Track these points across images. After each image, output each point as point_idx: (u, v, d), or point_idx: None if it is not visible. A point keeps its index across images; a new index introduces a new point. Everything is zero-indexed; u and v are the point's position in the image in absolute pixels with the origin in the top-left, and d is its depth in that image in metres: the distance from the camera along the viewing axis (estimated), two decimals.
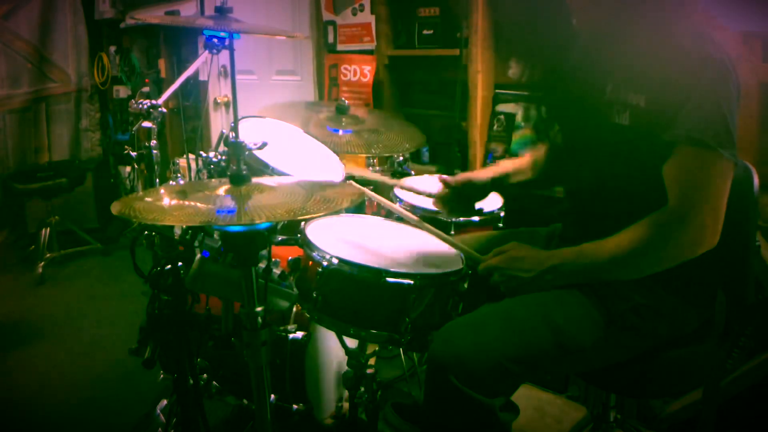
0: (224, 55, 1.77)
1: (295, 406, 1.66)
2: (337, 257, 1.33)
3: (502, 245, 1.28)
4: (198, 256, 1.35)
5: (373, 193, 1.47)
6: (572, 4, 1.27)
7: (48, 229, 3.74)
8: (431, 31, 3.03)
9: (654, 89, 1.13)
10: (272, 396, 1.57)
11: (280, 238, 1.64)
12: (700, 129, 1.07)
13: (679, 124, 1.08)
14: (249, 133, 1.71)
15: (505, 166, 1.55)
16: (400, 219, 1.60)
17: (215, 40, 1.74)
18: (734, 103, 1.09)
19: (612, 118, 1.19)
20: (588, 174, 1.29)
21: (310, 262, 1.41)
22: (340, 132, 2.01)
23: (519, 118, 2.81)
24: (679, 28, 1.13)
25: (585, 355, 1.20)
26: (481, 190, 1.53)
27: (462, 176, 1.53)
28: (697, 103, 1.07)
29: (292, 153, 1.83)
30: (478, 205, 1.59)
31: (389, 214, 1.67)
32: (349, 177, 1.75)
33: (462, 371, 1.10)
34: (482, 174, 1.53)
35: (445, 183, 1.52)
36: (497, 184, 1.53)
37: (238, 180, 1.22)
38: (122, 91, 4.33)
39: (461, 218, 1.80)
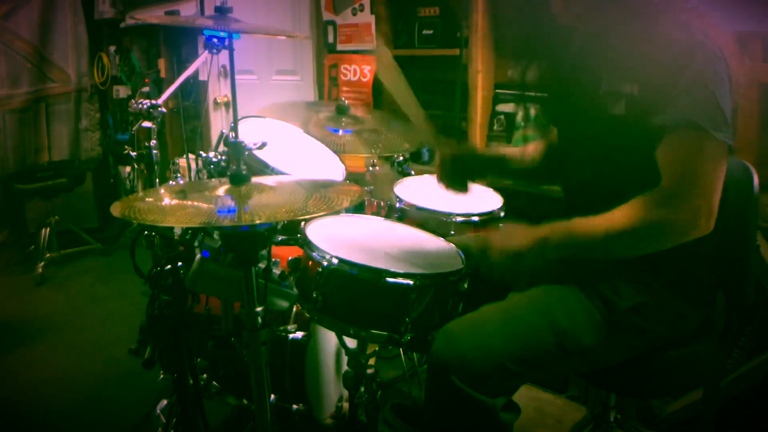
0: (224, 55, 1.77)
1: (295, 406, 1.66)
2: (337, 257, 1.33)
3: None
4: (198, 256, 1.35)
5: None
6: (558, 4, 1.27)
7: (48, 229, 3.74)
8: (431, 31, 3.02)
9: (646, 76, 1.14)
10: (272, 396, 1.57)
11: (280, 238, 1.64)
12: (691, 111, 1.07)
13: (671, 107, 1.09)
14: (249, 133, 1.71)
15: (504, 150, 1.57)
16: (401, 219, 1.60)
17: (215, 40, 1.74)
18: (726, 88, 1.09)
19: (608, 111, 1.19)
20: (586, 171, 1.29)
21: (310, 262, 1.41)
22: (340, 132, 2.00)
23: (519, 118, 2.81)
24: (667, 20, 1.14)
25: (586, 356, 1.20)
26: (479, 161, 1.52)
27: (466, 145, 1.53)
28: (688, 86, 1.08)
29: (292, 153, 1.83)
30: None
31: (389, 214, 1.67)
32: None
33: (464, 371, 1.10)
34: (482, 150, 1.54)
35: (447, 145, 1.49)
36: (497, 163, 1.53)
37: (238, 180, 1.22)
38: (122, 91, 4.32)
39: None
